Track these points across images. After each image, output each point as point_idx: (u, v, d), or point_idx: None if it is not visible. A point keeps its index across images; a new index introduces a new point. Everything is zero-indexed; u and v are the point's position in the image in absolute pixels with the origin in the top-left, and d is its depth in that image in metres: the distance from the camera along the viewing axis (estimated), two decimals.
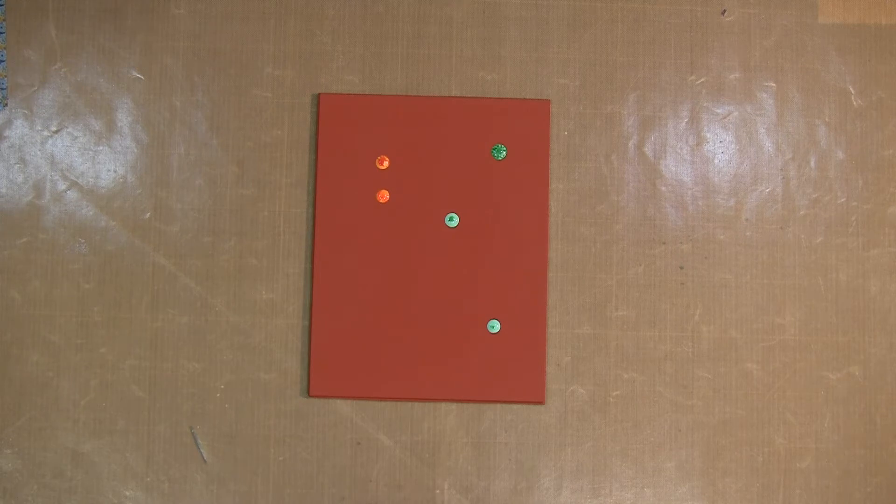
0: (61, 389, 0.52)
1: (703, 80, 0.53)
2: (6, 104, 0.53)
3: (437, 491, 0.52)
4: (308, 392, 0.52)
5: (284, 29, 0.53)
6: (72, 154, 0.53)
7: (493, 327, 0.52)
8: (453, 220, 0.52)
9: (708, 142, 0.53)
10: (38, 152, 0.53)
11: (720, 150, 0.53)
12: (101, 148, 0.53)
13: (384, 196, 0.52)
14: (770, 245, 0.53)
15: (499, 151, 0.52)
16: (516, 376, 0.52)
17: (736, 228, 0.53)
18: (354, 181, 0.52)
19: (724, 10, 0.53)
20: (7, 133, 0.53)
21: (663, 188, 0.53)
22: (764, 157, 0.53)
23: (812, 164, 0.53)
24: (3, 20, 0.53)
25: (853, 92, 0.53)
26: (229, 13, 0.53)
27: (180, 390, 0.52)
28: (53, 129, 0.53)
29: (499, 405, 0.52)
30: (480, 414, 0.52)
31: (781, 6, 0.53)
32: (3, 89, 0.53)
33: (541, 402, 0.52)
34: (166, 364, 0.52)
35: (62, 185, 0.53)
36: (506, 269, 0.52)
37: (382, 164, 0.52)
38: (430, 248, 0.52)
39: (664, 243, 0.53)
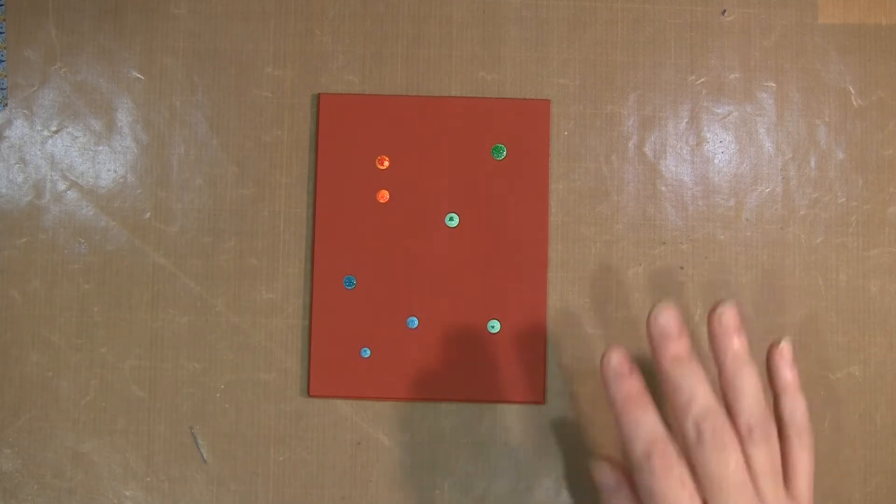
0: (61, 389, 0.52)
1: (703, 80, 0.53)
2: (6, 104, 0.53)
3: (437, 491, 0.52)
4: (308, 392, 0.52)
5: (284, 29, 0.53)
6: (72, 154, 0.53)
7: (493, 327, 0.52)
8: (453, 220, 0.52)
9: (708, 142, 0.53)
10: (38, 152, 0.53)
11: (720, 150, 0.53)
12: (101, 148, 0.53)
13: (384, 196, 0.52)
14: (770, 245, 0.53)
15: (499, 151, 0.52)
16: (516, 376, 0.52)
17: (736, 228, 0.53)
18: (354, 181, 0.52)
19: (724, 11, 0.53)
20: (7, 133, 0.53)
21: (663, 188, 0.53)
22: (764, 157, 0.53)
23: (812, 164, 0.53)
24: (3, 20, 0.53)
25: (853, 92, 0.53)
26: (229, 13, 0.53)
27: (180, 390, 0.52)
28: (53, 129, 0.53)
29: (499, 405, 0.52)
30: (480, 414, 0.52)
31: (781, 6, 0.54)
32: (2, 89, 0.53)
33: (541, 402, 0.52)
34: (166, 364, 0.52)
35: (62, 186, 0.53)
36: (506, 269, 0.52)
37: (382, 165, 0.52)
38: (430, 248, 0.52)
39: (664, 243, 0.53)
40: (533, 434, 0.52)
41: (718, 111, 0.53)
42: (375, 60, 0.53)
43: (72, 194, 0.53)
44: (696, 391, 0.45)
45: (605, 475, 0.47)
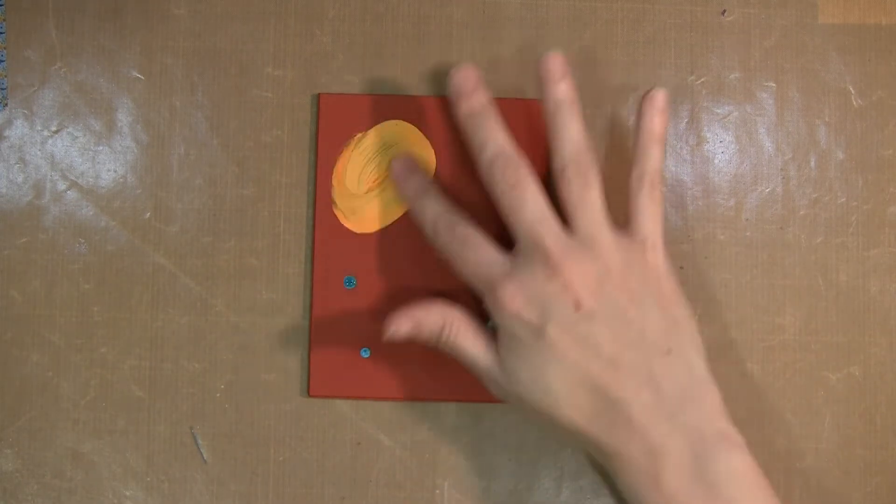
0: (61, 389, 0.52)
1: (703, 80, 0.53)
2: (6, 104, 0.53)
3: (437, 491, 0.52)
4: (308, 392, 0.52)
5: (284, 29, 0.53)
6: (72, 154, 0.53)
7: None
8: None
9: (708, 142, 0.53)
10: (38, 152, 0.53)
11: (720, 150, 0.53)
12: (101, 148, 0.53)
13: None
14: (770, 245, 0.53)
15: None
16: None
17: (736, 228, 0.53)
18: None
19: (724, 10, 0.53)
20: (7, 133, 0.53)
21: (663, 188, 0.53)
22: (764, 157, 0.53)
23: (812, 164, 0.53)
24: (3, 20, 0.53)
25: (853, 92, 0.53)
26: (229, 13, 0.53)
27: (180, 390, 0.52)
28: (53, 129, 0.53)
29: (499, 405, 0.52)
30: (480, 414, 0.52)
31: (781, 6, 0.54)
32: (3, 89, 0.53)
33: None
34: (166, 364, 0.52)
35: (62, 186, 0.53)
36: None
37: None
38: (430, 248, 0.52)
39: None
40: (533, 434, 0.52)
41: (718, 111, 0.53)
42: (375, 60, 0.53)
43: (72, 194, 0.53)
44: (487, 138, 0.46)
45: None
